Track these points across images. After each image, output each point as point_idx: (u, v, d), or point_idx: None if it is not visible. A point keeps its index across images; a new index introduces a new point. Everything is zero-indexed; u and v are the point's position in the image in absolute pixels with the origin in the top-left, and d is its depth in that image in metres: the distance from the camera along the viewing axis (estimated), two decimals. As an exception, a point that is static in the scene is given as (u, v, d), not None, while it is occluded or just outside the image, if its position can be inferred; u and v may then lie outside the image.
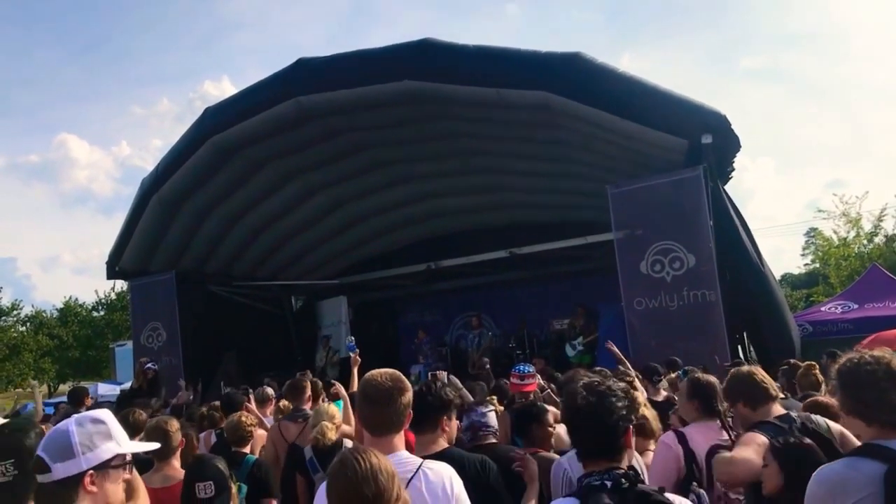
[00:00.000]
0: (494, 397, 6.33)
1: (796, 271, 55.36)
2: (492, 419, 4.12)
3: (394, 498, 2.00)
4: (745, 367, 3.87)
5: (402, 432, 2.68)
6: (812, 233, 37.49)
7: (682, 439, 3.75)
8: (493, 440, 4.11)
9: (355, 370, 5.17)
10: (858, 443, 3.33)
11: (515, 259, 13.74)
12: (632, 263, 10.30)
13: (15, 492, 2.18)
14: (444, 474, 2.59)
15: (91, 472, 2.06)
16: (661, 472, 3.65)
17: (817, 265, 37.24)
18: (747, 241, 10.15)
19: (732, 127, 9.72)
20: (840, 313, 13.52)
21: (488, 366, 10.48)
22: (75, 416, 2.12)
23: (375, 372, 2.72)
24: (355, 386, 5.02)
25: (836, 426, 3.40)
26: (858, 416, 2.44)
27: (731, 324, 9.77)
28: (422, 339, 15.51)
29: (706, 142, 9.66)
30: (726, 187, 10.57)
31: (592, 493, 2.06)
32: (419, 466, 2.57)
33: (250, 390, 7.82)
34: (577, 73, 9.95)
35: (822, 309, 14.57)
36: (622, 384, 2.36)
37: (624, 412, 2.20)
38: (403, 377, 2.72)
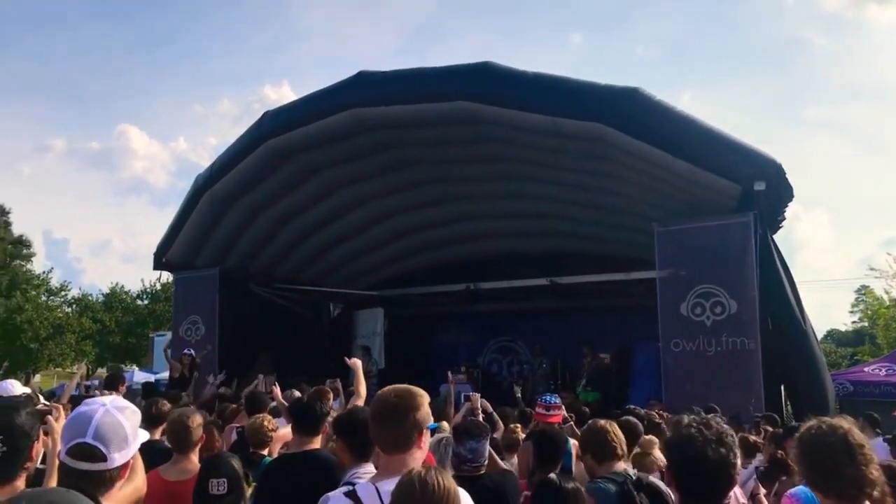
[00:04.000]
0: (519, 425, 6.33)
1: (843, 328, 54.12)
2: (482, 452, 4.02)
3: None
4: (602, 422, 3.97)
5: (417, 451, 2.59)
6: (863, 290, 36.57)
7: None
8: (481, 472, 4.03)
9: (360, 373, 5.12)
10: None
11: (555, 288, 13.70)
12: (672, 304, 10.19)
13: (3, 468, 2.21)
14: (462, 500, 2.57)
15: (132, 458, 2.16)
16: None
17: (865, 324, 36.33)
18: (791, 294, 9.98)
19: (787, 176, 9.61)
20: (884, 375, 13.19)
21: (519, 394, 10.40)
22: (113, 404, 2.15)
23: (386, 389, 2.67)
24: (362, 389, 4.99)
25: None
26: (814, 486, 2.39)
27: (768, 375, 9.59)
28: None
29: (759, 188, 9.55)
30: (776, 237, 10.42)
31: None
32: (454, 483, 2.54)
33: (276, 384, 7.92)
34: (634, 108, 9.94)
35: (866, 369, 14.23)
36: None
37: (738, 465, 2.23)
38: (415, 393, 2.63)
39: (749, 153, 9.71)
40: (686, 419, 2.28)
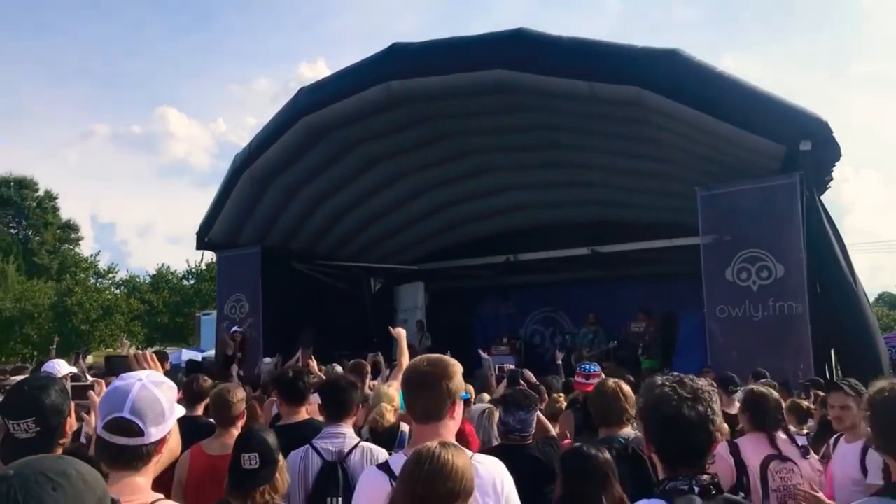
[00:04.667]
0: (563, 395, 6.27)
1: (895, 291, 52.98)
2: (531, 421, 4.01)
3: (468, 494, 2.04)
4: (611, 384, 3.86)
5: (450, 421, 2.54)
6: (916, 252, 35.60)
7: (734, 450, 3.76)
8: (528, 442, 4.01)
9: (403, 343, 5.10)
10: None
11: (596, 257, 13.55)
12: (717, 270, 10.00)
13: (37, 449, 2.17)
14: (495, 471, 2.48)
15: (168, 433, 2.14)
16: None
17: (919, 286, 35.42)
18: (840, 255, 9.70)
19: (834, 134, 9.31)
20: (938, 338, 12.84)
21: (560, 360, 10.35)
22: (149, 379, 2.13)
23: (419, 358, 2.64)
24: (404, 360, 4.98)
25: None
26: (885, 451, 2.27)
27: (818, 339, 9.37)
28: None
29: (804, 148, 9.29)
30: (823, 197, 10.13)
31: (681, 496, 1.99)
32: (468, 459, 2.47)
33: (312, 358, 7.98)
34: (673, 70, 9.73)
35: (920, 332, 13.87)
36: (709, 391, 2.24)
37: (718, 421, 2.13)
38: (449, 362, 2.58)
39: (793, 112, 9.43)
40: (659, 380, 2.18)
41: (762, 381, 7.18)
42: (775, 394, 4.16)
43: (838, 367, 10.22)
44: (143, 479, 2.05)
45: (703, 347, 10.23)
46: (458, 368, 2.59)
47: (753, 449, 3.79)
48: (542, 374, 8.72)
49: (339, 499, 3.50)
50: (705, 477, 2.00)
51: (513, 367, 7.63)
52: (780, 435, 3.87)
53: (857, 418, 3.86)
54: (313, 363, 7.13)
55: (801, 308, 9.35)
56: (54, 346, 13.50)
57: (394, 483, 2.38)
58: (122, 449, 2.03)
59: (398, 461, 2.46)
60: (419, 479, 2.00)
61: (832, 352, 10.20)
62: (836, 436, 4.19)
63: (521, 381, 6.87)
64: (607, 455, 3.16)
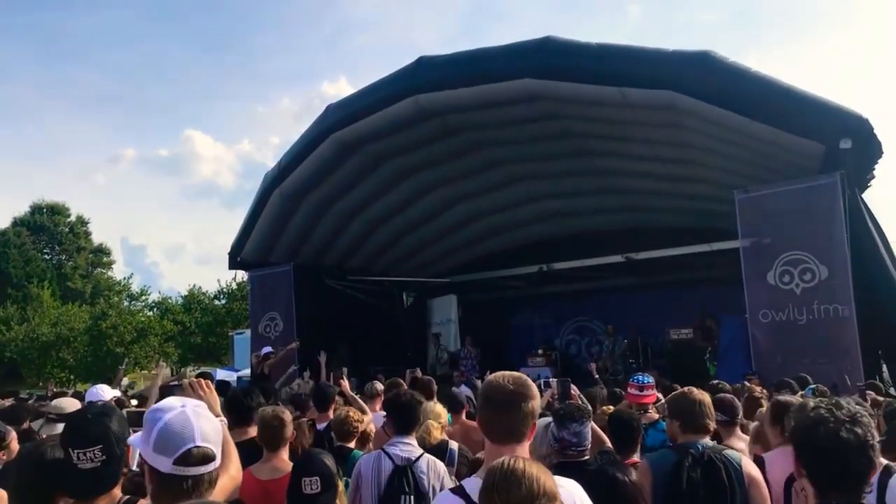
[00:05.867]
0: (611, 406, 6.13)
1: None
2: (586, 434, 3.89)
3: None
4: (697, 392, 3.75)
5: (528, 442, 2.44)
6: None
7: (760, 466, 3.59)
8: (585, 457, 3.88)
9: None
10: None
11: (632, 264, 13.38)
12: (758, 273, 9.81)
13: (103, 478, 2.16)
14: (576, 494, 2.37)
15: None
16: None
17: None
18: (886, 255, 9.47)
19: (875, 131, 9.10)
20: None
21: (597, 374, 10.19)
22: (192, 404, 2.07)
23: (499, 374, 2.50)
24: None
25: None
26: None
27: (866, 342, 9.13)
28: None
29: (845, 147, 9.06)
30: (865, 196, 9.90)
31: None
32: (542, 466, 2.40)
33: (343, 375, 7.94)
34: (705, 73, 9.59)
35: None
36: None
37: (878, 447, 2.00)
38: (530, 382, 2.49)
39: (832, 110, 9.24)
40: (812, 402, 2.07)
41: (811, 387, 6.99)
42: (801, 401, 4.00)
43: (885, 369, 9.97)
44: None
45: (745, 353, 10.04)
46: (536, 388, 2.51)
47: (781, 464, 3.58)
48: (582, 386, 8.58)
49: (412, 497, 3.95)
50: None
51: (552, 378, 7.48)
52: None
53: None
54: (345, 383, 7.04)
55: (847, 310, 9.12)
56: (123, 367, 13.61)
57: (470, 508, 2.30)
58: (198, 480, 1.97)
59: (473, 484, 2.36)
60: (494, 490, 1.92)
61: (879, 353, 9.94)
62: None
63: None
64: (633, 476, 3.08)
